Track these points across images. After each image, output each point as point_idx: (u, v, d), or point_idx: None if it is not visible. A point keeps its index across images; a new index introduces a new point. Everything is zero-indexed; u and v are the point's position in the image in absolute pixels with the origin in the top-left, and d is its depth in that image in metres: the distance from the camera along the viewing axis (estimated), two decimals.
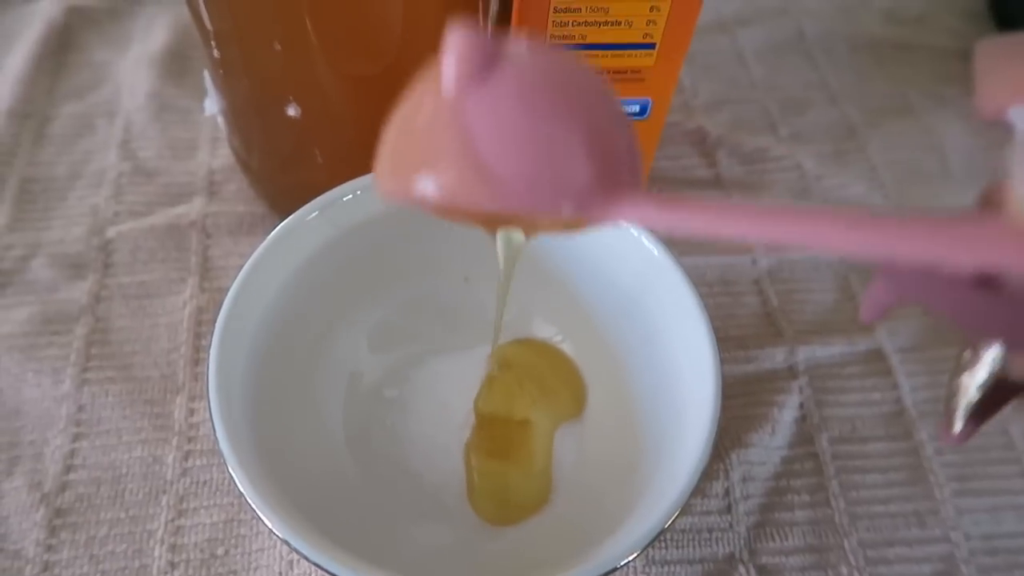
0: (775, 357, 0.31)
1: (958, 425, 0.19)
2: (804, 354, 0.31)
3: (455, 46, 0.13)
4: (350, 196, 0.25)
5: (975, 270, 0.12)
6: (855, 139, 0.39)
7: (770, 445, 0.29)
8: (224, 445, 0.20)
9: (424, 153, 0.14)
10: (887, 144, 0.39)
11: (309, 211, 0.25)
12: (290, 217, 0.24)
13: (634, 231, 0.25)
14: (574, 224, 0.16)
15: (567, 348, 0.29)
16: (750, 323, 0.32)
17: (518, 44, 0.14)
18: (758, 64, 0.42)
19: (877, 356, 0.31)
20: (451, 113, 0.13)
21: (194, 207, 0.33)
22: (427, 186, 0.14)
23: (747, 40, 0.43)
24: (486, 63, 0.13)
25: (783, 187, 0.37)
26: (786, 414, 0.29)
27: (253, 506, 0.20)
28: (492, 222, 0.18)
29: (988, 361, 0.18)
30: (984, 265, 0.12)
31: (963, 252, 0.12)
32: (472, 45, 0.13)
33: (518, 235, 0.20)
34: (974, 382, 0.18)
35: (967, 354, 0.18)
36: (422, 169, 0.14)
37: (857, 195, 0.36)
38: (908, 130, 0.39)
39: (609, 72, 0.28)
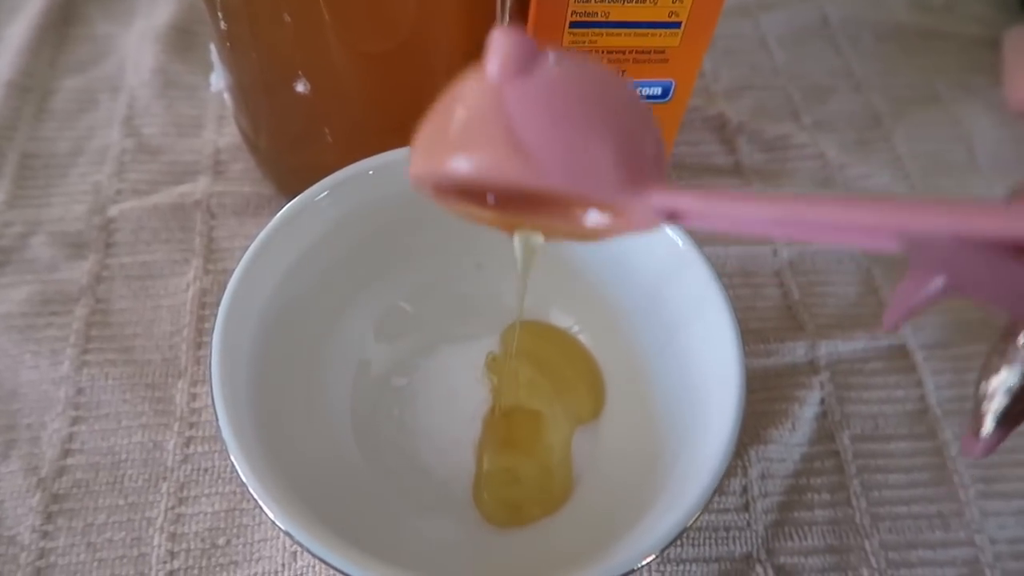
0: (796, 351, 0.30)
1: (987, 430, 0.18)
2: (826, 348, 0.30)
3: (501, 40, 0.14)
4: (361, 176, 0.24)
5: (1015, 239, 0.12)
6: (880, 128, 0.38)
7: (790, 442, 0.28)
8: (226, 431, 0.19)
9: (462, 133, 0.15)
10: (912, 134, 0.38)
11: (318, 191, 0.24)
12: (298, 197, 0.24)
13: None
14: (592, 233, 0.17)
15: (584, 339, 0.28)
16: (771, 316, 0.31)
17: (554, 49, 0.15)
18: (781, 50, 0.40)
19: (901, 352, 0.30)
20: (492, 98, 0.14)
21: (199, 186, 0.32)
22: (463, 162, 0.14)
23: (769, 25, 0.41)
24: (527, 58, 0.14)
25: (805, 176, 0.36)
26: (807, 410, 0.28)
27: (254, 495, 0.19)
28: (511, 223, 0.18)
29: (1019, 364, 0.17)
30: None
31: (1001, 221, 0.12)
32: (516, 41, 0.14)
33: (536, 237, 0.19)
34: (1003, 385, 0.17)
35: (996, 358, 0.17)
36: (459, 147, 0.14)
37: (881, 185, 0.35)
38: (934, 120, 0.38)
39: (632, 52, 0.27)
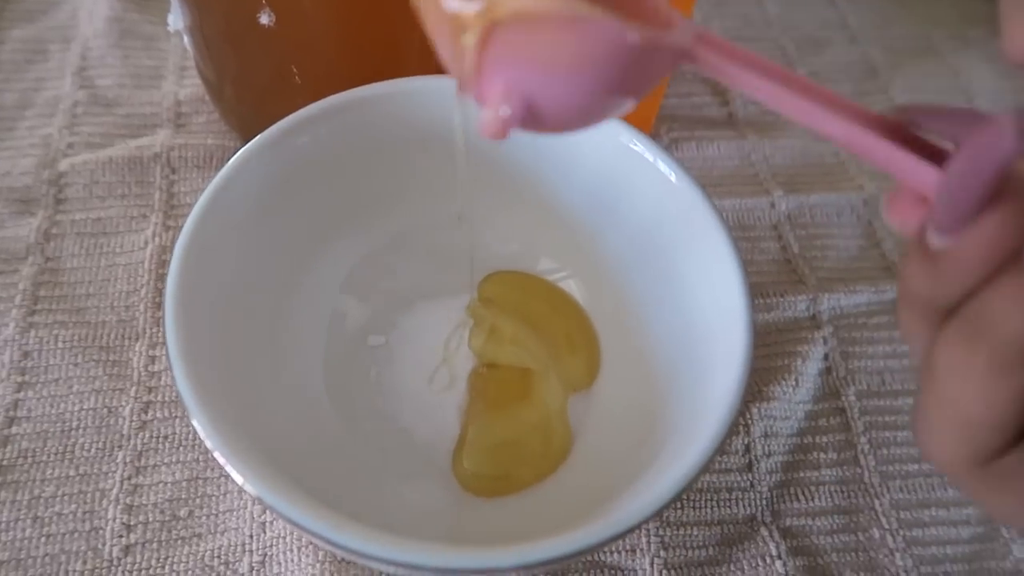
0: (797, 306, 0.28)
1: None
2: (828, 303, 0.28)
3: None
4: (331, 114, 0.22)
5: None
6: (876, 80, 0.36)
7: (793, 399, 0.26)
8: (183, 388, 0.17)
9: None
10: (910, 86, 0.36)
11: (282, 129, 0.22)
12: (260, 135, 0.21)
13: (649, 156, 0.22)
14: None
15: (575, 290, 0.26)
16: (770, 270, 0.29)
17: None
18: (773, 1, 0.39)
19: None
20: None
21: (158, 139, 0.30)
22: None
23: None
24: None
25: (800, 128, 0.34)
26: (810, 366, 0.27)
27: (219, 456, 0.17)
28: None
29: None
30: None
31: None
32: None
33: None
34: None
35: None
36: None
37: None
38: (932, 72, 0.37)
39: None
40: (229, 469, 0.17)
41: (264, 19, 0.24)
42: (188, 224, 0.20)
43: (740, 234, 0.30)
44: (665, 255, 0.22)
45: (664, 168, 0.21)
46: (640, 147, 0.22)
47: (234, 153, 0.30)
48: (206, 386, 0.18)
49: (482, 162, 0.24)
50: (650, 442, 0.21)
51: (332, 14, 0.25)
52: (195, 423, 0.17)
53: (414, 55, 0.27)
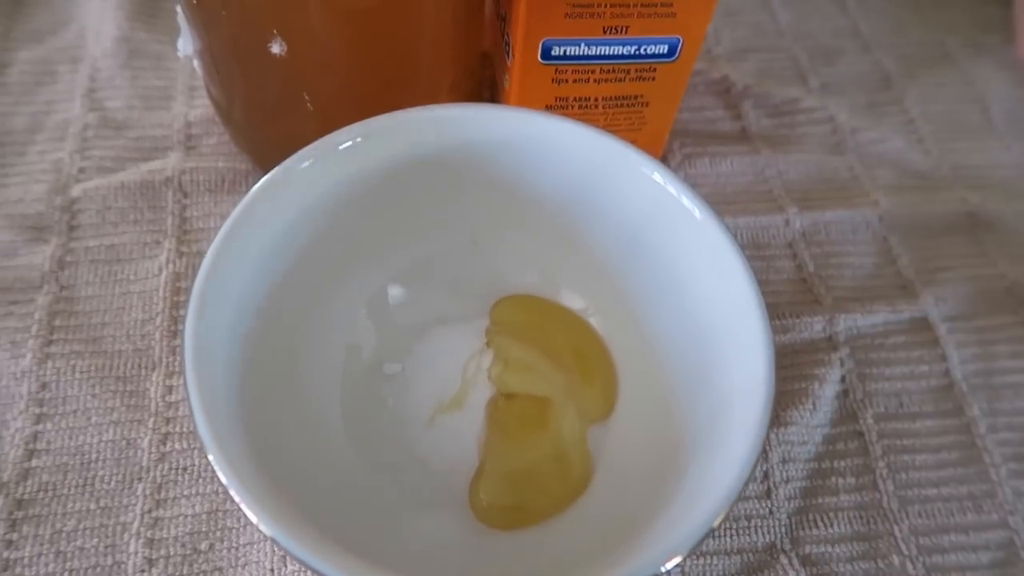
0: (813, 326, 0.28)
1: None
2: (844, 323, 0.28)
3: None
4: (347, 143, 0.22)
5: None
6: (891, 90, 0.36)
7: (811, 423, 0.26)
8: (202, 426, 0.17)
9: None
10: (925, 95, 0.36)
11: (300, 160, 0.21)
12: (279, 167, 0.21)
13: (672, 189, 0.22)
14: None
15: (595, 321, 0.26)
16: (785, 289, 0.29)
17: None
18: (784, 9, 0.38)
19: (923, 325, 0.29)
20: None
21: (169, 162, 0.30)
22: None
23: None
24: None
25: (815, 141, 0.34)
26: (827, 389, 0.27)
27: (235, 495, 0.17)
28: None
29: None
30: None
31: None
32: None
33: None
34: None
35: None
36: None
37: (895, 150, 0.34)
38: (947, 80, 0.36)
39: (636, 5, 0.25)
40: (244, 508, 0.17)
41: (276, 48, 0.24)
42: (205, 262, 0.20)
43: (755, 253, 0.30)
44: (686, 290, 0.22)
45: (688, 204, 0.21)
46: (663, 181, 0.22)
47: (245, 176, 0.30)
48: (223, 423, 0.18)
49: (500, 190, 0.24)
50: (671, 475, 0.20)
51: (345, 43, 0.24)
52: (211, 458, 0.17)
53: (426, 81, 0.27)
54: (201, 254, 0.28)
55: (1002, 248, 0.31)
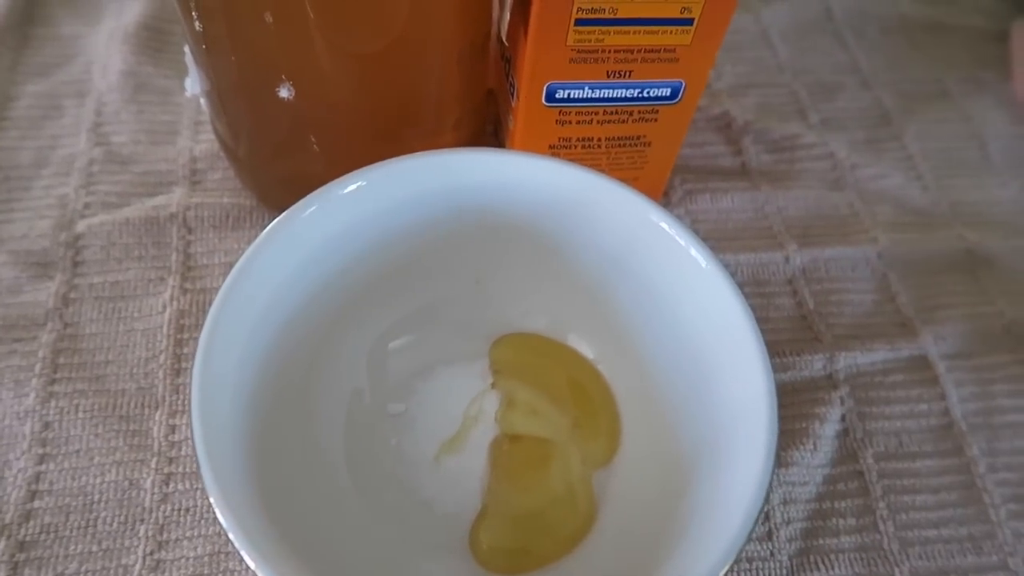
0: (813, 364, 0.28)
1: None
2: (845, 361, 0.28)
3: None
4: (352, 188, 0.22)
5: None
6: (890, 126, 0.36)
7: (811, 463, 0.26)
8: (205, 470, 0.18)
9: None
10: (924, 132, 0.36)
11: (306, 206, 0.22)
12: (285, 213, 0.21)
13: (681, 240, 0.22)
14: None
15: (600, 366, 0.26)
16: (785, 327, 0.29)
17: None
18: (784, 45, 0.39)
19: (922, 363, 0.29)
20: None
21: (174, 198, 0.30)
22: None
23: (771, 19, 0.40)
24: None
25: (815, 177, 0.34)
26: (827, 428, 0.27)
27: (233, 540, 0.17)
28: None
29: None
30: None
31: None
32: None
33: None
34: None
35: None
36: None
37: (895, 186, 0.34)
38: (945, 117, 0.37)
39: (640, 51, 0.25)
40: (242, 553, 0.17)
41: (283, 92, 0.24)
42: (214, 306, 0.20)
43: (755, 290, 0.30)
44: (692, 339, 0.22)
45: (696, 254, 0.21)
46: (671, 230, 0.22)
47: (250, 212, 0.30)
48: (225, 464, 0.18)
49: (504, 232, 0.24)
50: (676, 520, 0.21)
51: (352, 85, 0.25)
52: (212, 501, 0.17)
53: (432, 120, 0.28)
54: (205, 291, 0.28)
55: (1000, 286, 0.31)
